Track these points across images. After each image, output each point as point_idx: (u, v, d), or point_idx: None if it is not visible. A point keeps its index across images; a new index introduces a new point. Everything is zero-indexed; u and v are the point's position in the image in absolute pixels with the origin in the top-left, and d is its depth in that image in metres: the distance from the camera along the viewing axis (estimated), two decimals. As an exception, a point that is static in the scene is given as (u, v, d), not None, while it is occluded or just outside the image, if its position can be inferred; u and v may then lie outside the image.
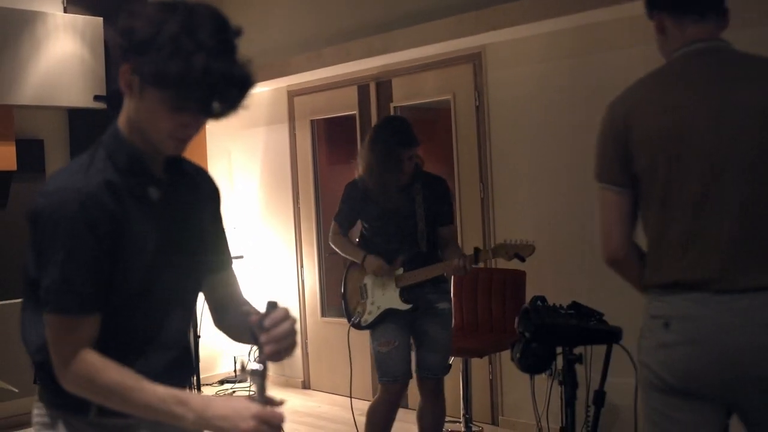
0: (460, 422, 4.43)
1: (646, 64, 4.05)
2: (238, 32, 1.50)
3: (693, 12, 2.07)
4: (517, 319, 2.33)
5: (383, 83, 5.37)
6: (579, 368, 3.06)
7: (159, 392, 1.50)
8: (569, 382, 2.46)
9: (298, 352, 6.00)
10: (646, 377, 2.06)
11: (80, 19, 5.58)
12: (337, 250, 3.91)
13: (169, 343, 1.67)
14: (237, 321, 1.71)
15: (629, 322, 3.97)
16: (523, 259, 3.48)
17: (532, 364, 2.11)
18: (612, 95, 4.15)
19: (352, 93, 5.54)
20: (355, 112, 5.55)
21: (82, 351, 1.51)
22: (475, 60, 4.78)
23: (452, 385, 4.73)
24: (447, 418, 4.89)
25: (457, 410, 4.46)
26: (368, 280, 3.72)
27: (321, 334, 5.92)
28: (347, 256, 3.84)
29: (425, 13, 4.81)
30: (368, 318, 3.69)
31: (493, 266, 4.69)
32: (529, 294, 4.21)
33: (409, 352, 3.68)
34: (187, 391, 1.58)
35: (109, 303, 1.55)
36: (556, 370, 3.39)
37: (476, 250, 3.52)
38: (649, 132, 2.00)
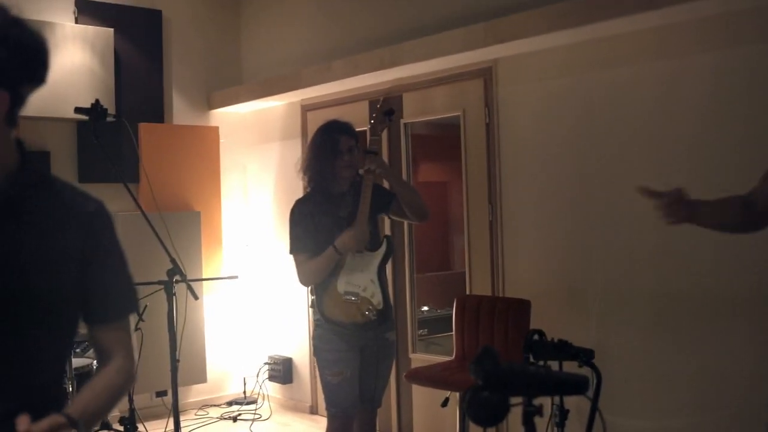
0: (456, 460, 4.16)
1: (665, 79, 3.79)
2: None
3: None
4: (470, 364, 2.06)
5: (394, 98, 5.14)
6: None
7: None
8: (530, 437, 2.17)
9: (307, 374, 5.80)
10: None
11: (91, 30, 5.50)
12: (313, 276, 3.44)
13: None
14: None
15: (628, 358, 3.66)
16: (390, 113, 3.61)
17: (483, 415, 1.83)
18: (629, 112, 3.88)
19: (364, 108, 5.34)
20: (366, 127, 5.31)
21: None
22: (486, 75, 4.52)
23: (450, 418, 4.48)
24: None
25: (455, 447, 4.20)
26: (341, 286, 3.42)
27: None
28: (324, 265, 3.39)
29: (435, 26, 4.59)
30: (377, 299, 3.42)
31: (498, 294, 4.41)
32: (534, 324, 3.93)
33: (358, 383, 3.49)
34: None
35: None
36: (553, 413, 3.11)
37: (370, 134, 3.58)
38: None
